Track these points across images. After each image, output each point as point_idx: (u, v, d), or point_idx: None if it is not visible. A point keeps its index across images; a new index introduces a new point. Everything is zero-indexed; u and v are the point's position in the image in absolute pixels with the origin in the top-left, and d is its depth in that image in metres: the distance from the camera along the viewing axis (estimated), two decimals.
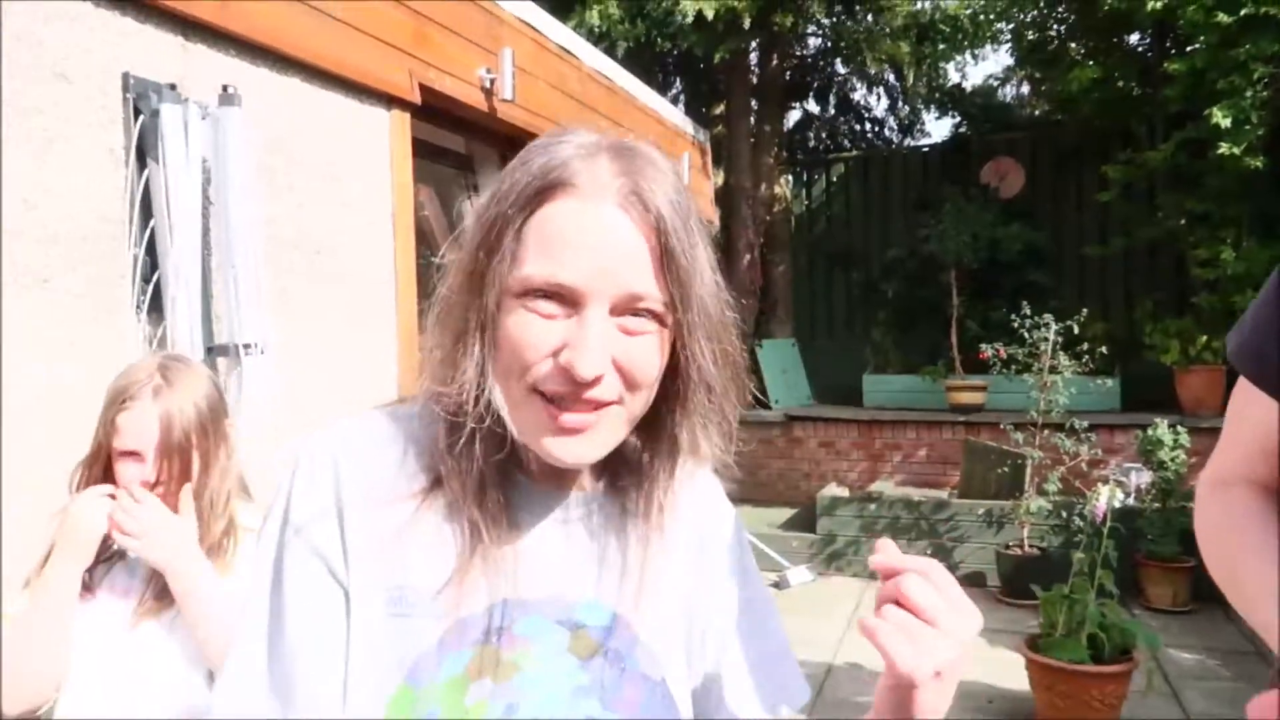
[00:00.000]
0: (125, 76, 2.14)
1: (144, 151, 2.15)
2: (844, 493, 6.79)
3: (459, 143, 4.02)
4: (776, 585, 6.22)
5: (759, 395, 8.15)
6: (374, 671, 0.76)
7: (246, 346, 2.21)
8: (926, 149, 9.79)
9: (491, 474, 0.79)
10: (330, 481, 0.78)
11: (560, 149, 0.77)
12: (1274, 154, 5.89)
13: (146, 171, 2.15)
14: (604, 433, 0.77)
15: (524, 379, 0.75)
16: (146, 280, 2.13)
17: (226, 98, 2.26)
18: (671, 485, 0.86)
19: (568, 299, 0.74)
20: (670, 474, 0.85)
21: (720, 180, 8.59)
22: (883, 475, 7.41)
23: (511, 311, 0.75)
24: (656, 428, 0.82)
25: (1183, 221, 6.56)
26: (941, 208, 7.87)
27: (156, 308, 2.14)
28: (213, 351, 2.23)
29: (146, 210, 2.15)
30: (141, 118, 2.14)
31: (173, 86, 2.21)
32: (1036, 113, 10.02)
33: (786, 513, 7.21)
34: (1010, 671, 4.29)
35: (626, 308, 0.75)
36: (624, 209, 0.75)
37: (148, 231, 2.14)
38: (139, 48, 2.19)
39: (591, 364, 0.72)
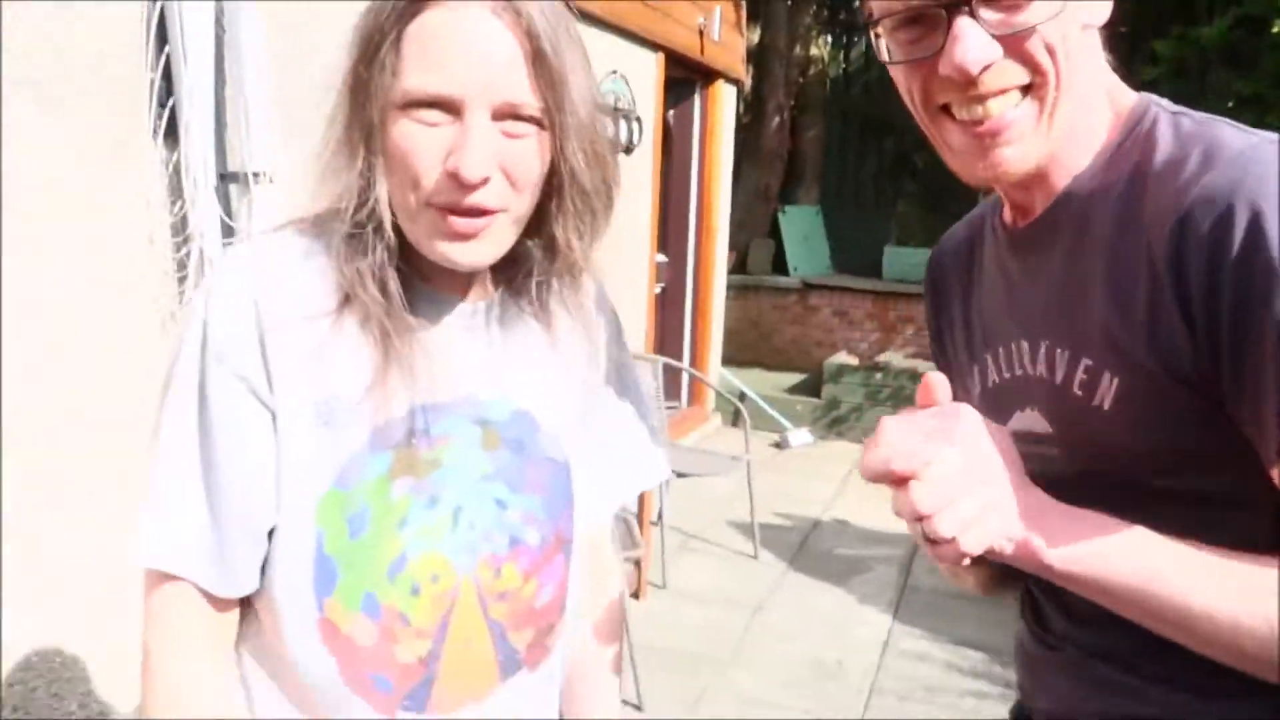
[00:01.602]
0: None
1: None
2: (853, 361, 6.92)
3: None
4: (778, 445, 6.44)
5: (778, 261, 8.18)
6: (303, 478, 0.83)
7: (256, 175, 2.32)
8: None
9: (393, 281, 0.83)
10: (250, 306, 0.81)
11: None
12: None
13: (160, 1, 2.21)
14: (495, 235, 0.82)
15: (417, 192, 0.79)
16: (162, 105, 2.22)
17: None
18: (557, 283, 0.92)
19: (449, 107, 0.77)
20: (555, 273, 0.90)
21: (755, 39, 8.37)
22: (893, 347, 7.52)
23: (396, 123, 0.78)
24: (538, 228, 0.87)
25: (1231, 104, 6.36)
26: None
27: (172, 133, 2.24)
28: (225, 178, 2.34)
29: (162, 38, 2.21)
30: None
31: None
32: None
33: (795, 378, 7.37)
34: None
35: (506, 113, 0.78)
36: (496, 14, 0.77)
37: (163, 59, 2.22)
38: None
39: (476, 165, 0.76)
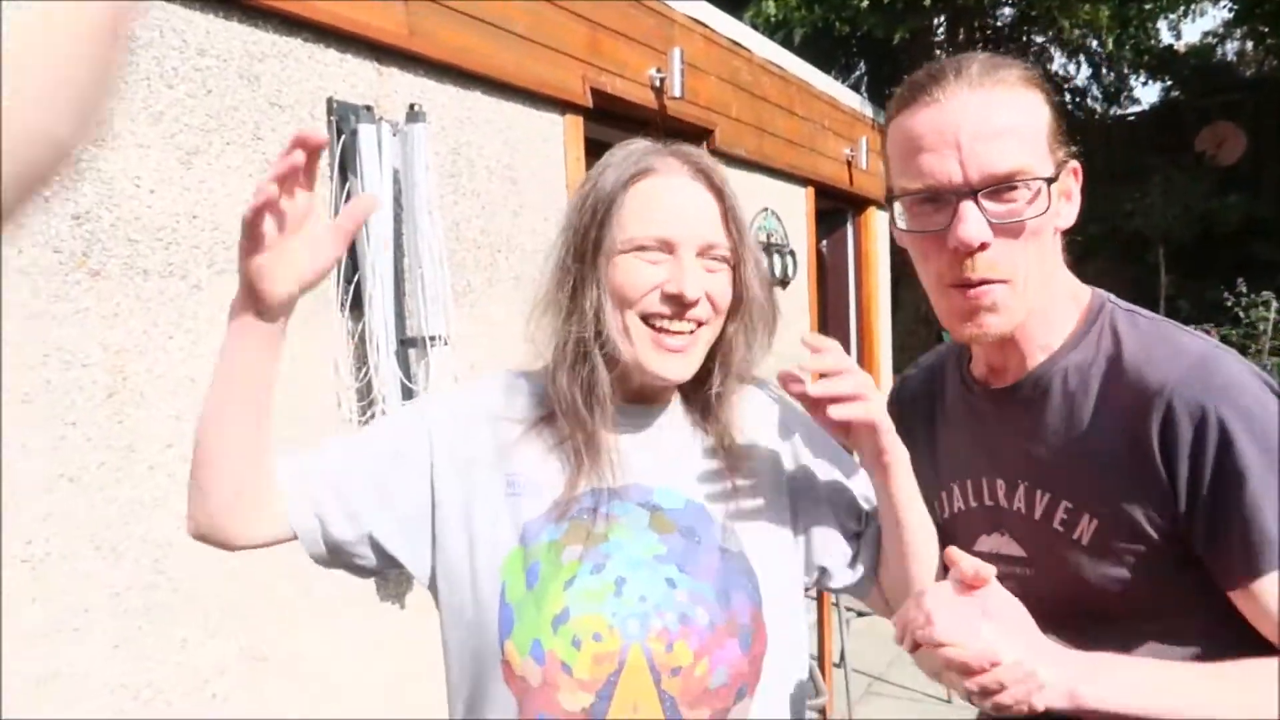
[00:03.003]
0: (329, 101, 2.42)
1: (345, 167, 2.43)
2: None
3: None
4: None
5: None
6: (496, 535, 1.04)
7: (432, 339, 2.46)
8: (1133, 117, 9.15)
9: (593, 396, 1.04)
10: (482, 401, 1.12)
11: (634, 153, 1.07)
12: None
13: (348, 184, 2.42)
14: (696, 351, 1.05)
15: (635, 309, 1.02)
16: (349, 281, 2.41)
17: (413, 115, 2.51)
18: (732, 396, 1.10)
19: (666, 248, 1.02)
20: (728, 381, 1.09)
21: None
22: None
23: (620, 263, 1.03)
24: (717, 345, 1.08)
25: None
26: (1148, 179, 7.36)
27: (357, 305, 2.42)
28: (404, 344, 2.49)
29: None
30: (343, 137, 2.42)
31: (368, 108, 2.48)
32: (1263, 69, 9.14)
33: None
34: None
35: (706, 252, 1.03)
36: (695, 178, 1.05)
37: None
38: (340, 75, 2.46)
39: (694, 286, 1.01)
